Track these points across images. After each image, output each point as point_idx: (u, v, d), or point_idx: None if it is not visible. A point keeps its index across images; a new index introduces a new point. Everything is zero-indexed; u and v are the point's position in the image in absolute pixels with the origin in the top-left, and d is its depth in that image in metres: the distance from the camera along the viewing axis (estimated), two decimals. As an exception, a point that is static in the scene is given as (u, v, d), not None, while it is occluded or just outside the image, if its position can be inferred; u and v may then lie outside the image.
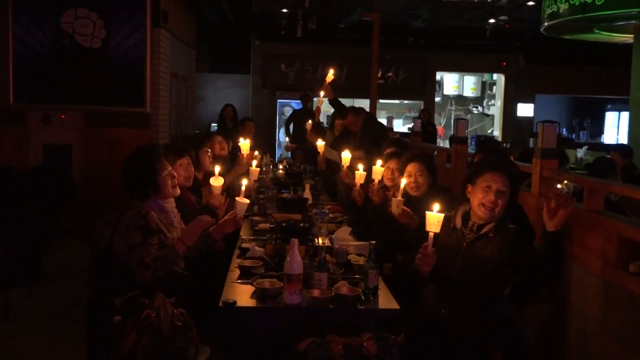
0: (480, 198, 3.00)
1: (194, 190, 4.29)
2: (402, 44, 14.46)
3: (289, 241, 3.00)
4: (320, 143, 5.98)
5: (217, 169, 3.73)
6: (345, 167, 5.03)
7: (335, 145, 6.81)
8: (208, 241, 3.32)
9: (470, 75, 16.19)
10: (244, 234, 4.20)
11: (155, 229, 3.08)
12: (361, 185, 4.48)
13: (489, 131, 16.25)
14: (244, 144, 4.86)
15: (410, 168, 4.10)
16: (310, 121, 7.39)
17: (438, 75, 15.78)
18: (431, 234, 2.77)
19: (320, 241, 3.57)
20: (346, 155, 4.99)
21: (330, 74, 6.71)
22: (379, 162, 4.33)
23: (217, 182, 3.67)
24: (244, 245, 3.70)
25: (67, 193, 7.26)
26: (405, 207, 3.76)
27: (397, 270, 3.70)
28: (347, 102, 9.87)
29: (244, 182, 3.42)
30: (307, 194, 5.15)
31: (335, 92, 7.26)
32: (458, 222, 3.10)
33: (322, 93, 6.86)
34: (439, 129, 15.66)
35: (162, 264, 2.99)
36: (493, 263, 2.92)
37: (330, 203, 5.53)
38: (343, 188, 5.58)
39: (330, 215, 4.70)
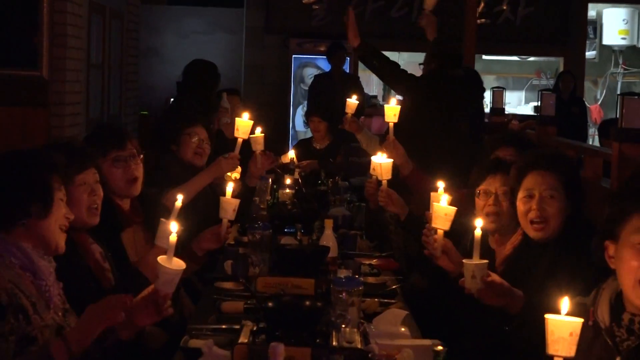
0: (635, 268, 2.93)
1: (108, 232, 4.30)
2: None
3: (280, 336, 3.21)
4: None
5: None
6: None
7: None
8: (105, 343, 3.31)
9: (652, 11, 16.24)
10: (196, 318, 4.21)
11: (7, 304, 3.16)
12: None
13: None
14: (242, 120, 5.09)
15: (532, 181, 4.09)
16: (352, 98, 7.27)
17: (591, 10, 15.88)
18: None
19: (347, 335, 3.57)
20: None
21: None
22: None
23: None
24: (193, 344, 3.64)
25: None
26: (494, 276, 3.62)
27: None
28: (420, 58, 9.81)
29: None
30: (329, 237, 5.04)
31: (394, 41, 7.15)
32: (603, 315, 3.04)
33: None
34: (593, 109, 15.53)
35: None
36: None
37: (376, 255, 5.55)
38: (395, 229, 5.67)
39: (370, 280, 4.70)
